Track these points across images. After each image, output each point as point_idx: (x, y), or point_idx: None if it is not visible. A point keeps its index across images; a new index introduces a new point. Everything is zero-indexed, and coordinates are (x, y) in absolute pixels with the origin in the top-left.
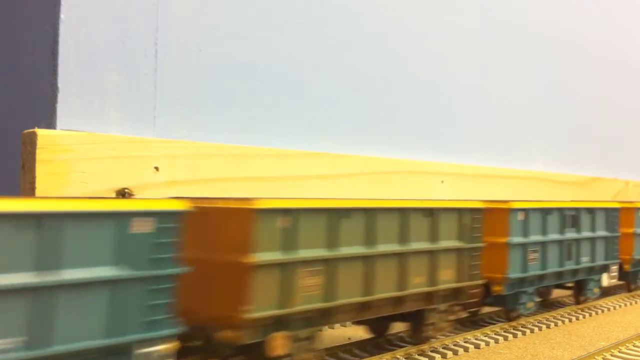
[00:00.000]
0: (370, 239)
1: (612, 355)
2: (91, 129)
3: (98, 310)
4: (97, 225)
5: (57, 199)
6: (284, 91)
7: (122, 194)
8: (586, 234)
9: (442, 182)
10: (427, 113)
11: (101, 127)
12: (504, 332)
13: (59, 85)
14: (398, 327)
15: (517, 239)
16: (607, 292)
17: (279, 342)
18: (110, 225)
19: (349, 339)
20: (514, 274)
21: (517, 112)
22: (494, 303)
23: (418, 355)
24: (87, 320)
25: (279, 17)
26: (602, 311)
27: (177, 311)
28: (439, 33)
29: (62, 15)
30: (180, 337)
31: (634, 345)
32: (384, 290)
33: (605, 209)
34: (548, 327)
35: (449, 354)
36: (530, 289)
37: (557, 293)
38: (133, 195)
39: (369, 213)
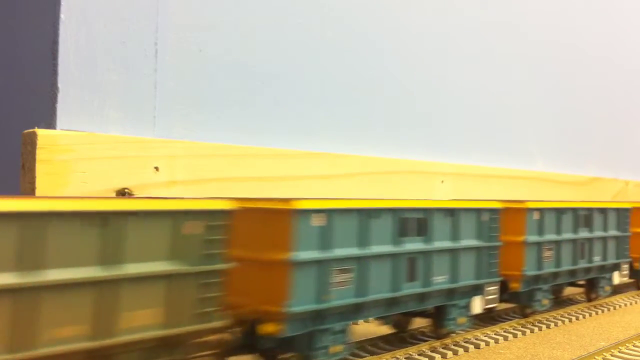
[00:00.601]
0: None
1: (612, 355)
2: (91, 129)
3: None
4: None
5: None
6: (284, 91)
7: (122, 194)
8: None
9: (442, 182)
10: (427, 113)
11: (101, 127)
12: (504, 332)
13: (59, 85)
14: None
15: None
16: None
17: None
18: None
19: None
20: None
21: (517, 113)
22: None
23: (418, 355)
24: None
25: (279, 17)
26: (603, 311)
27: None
28: (439, 33)
29: (62, 15)
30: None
31: (634, 345)
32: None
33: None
34: (548, 327)
35: (449, 353)
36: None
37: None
38: (133, 195)
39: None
